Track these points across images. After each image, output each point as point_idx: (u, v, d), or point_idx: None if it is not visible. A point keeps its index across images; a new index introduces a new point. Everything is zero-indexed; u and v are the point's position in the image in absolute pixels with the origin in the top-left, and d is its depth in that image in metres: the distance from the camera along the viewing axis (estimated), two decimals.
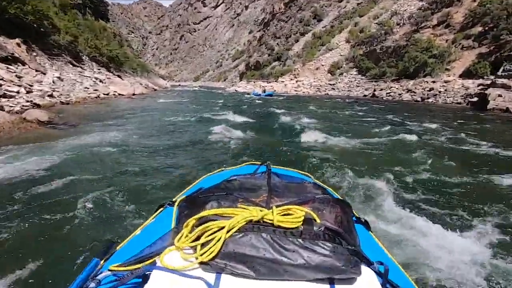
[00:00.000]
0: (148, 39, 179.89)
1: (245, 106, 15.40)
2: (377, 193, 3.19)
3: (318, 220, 0.79)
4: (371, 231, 1.11)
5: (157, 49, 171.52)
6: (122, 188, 3.18)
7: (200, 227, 0.75)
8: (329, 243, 0.72)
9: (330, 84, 30.74)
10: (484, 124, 9.56)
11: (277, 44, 62.63)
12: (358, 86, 28.88)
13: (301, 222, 0.76)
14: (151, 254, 0.76)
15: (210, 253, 0.70)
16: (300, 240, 0.72)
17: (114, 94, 13.74)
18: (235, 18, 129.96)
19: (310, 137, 6.49)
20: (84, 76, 13.45)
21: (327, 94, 28.95)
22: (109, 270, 0.73)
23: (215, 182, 1.12)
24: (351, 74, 31.14)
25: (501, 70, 16.11)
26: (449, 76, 20.35)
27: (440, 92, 18.24)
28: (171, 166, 4.25)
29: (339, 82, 30.71)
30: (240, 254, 0.70)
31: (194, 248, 0.74)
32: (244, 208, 0.80)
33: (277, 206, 0.81)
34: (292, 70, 38.93)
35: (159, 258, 0.73)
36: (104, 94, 12.42)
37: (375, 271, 0.76)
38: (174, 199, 1.15)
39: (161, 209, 1.16)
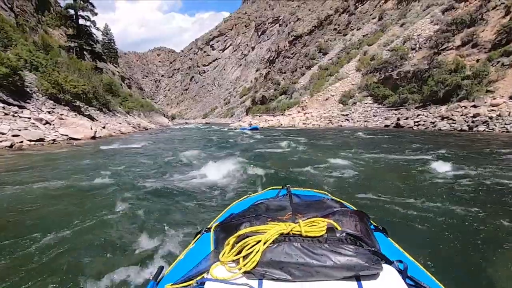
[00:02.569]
0: (160, 82, 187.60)
1: (240, 146, 11.81)
2: None
3: (339, 228, 0.89)
4: (390, 237, 1.14)
5: (169, 90, 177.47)
6: None
7: (240, 243, 0.86)
8: (351, 245, 0.81)
9: (343, 115, 27.16)
10: None
11: (283, 78, 61.43)
12: (375, 116, 25.16)
13: (325, 231, 0.86)
14: (199, 271, 0.88)
15: (252, 263, 0.81)
16: (326, 245, 0.81)
17: (60, 139, 10.47)
18: (242, 58, 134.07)
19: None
20: (19, 116, 10.31)
21: (341, 125, 25.23)
22: None
23: (243, 208, 1.18)
24: (366, 103, 27.65)
25: None
26: (494, 98, 16.37)
27: (491, 118, 14.13)
28: None
29: (353, 112, 27.14)
30: (277, 261, 0.80)
31: (237, 261, 0.85)
32: (275, 224, 0.91)
33: (302, 220, 0.91)
34: (300, 102, 36.03)
35: (208, 273, 0.85)
36: (34, 140, 8.89)
37: (395, 268, 0.83)
38: (209, 226, 1.23)
39: (199, 235, 1.23)
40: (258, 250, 0.81)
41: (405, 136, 13.47)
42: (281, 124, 31.81)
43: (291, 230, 0.87)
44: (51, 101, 13.70)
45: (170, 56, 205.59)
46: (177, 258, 1.12)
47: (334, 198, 1.43)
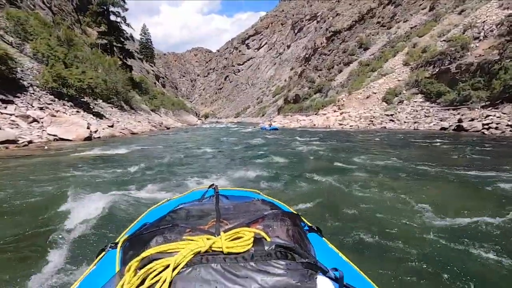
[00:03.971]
0: (196, 81, 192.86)
1: (266, 147, 9.78)
2: None
3: (268, 239, 0.75)
4: (324, 237, 1.10)
5: (203, 89, 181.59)
6: None
7: (144, 269, 0.67)
8: (281, 261, 0.68)
9: (387, 115, 23.63)
10: None
11: (319, 76, 57.91)
12: (427, 116, 21.35)
13: (251, 244, 0.72)
14: None
15: None
16: (252, 263, 0.67)
17: (43, 140, 9.06)
18: (277, 57, 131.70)
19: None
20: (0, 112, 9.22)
21: (384, 127, 21.84)
22: None
23: (160, 215, 1.00)
24: (415, 102, 23.78)
25: None
26: None
27: None
28: None
29: (399, 112, 23.48)
30: None
31: None
32: (190, 240, 0.74)
33: (225, 231, 0.77)
34: (336, 101, 32.84)
35: None
36: (7, 141, 7.80)
37: (330, 278, 0.74)
38: (116, 240, 1.02)
39: (103, 253, 1.01)
40: (165, 279, 0.63)
41: (480, 144, 10.27)
42: (314, 125, 29.06)
43: (210, 247, 0.70)
44: (51, 96, 12.75)
45: (206, 56, 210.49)
46: (73, 285, 0.89)
47: (265, 197, 1.34)
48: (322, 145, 10.37)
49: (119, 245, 0.93)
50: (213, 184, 1.30)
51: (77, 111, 13.39)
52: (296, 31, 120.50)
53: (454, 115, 19.44)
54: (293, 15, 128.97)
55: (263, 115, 75.63)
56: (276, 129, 24.19)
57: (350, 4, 73.46)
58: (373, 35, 55.93)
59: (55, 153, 7.72)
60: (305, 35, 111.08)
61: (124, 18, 29.28)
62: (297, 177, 4.86)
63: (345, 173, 5.22)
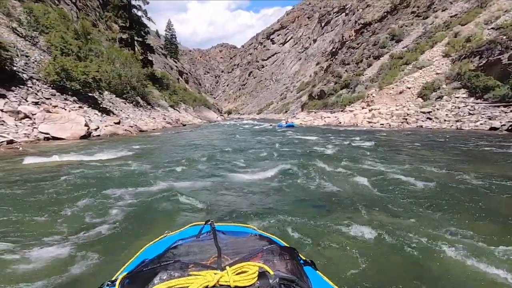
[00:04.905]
0: (220, 77, 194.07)
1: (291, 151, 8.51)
2: None
3: (271, 272, 0.78)
4: (319, 271, 1.11)
5: (227, 85, 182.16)
6: None
7: None
8: None
9: (424, 113, 21.14)
10: None
11: (346, 71, 54.79)
12: (472, 114, 18.70)
13: (256, 278, 0.75)
14: None
15: None
16: None
17: (31, 138, 8.34)
18: (302, 52, 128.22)
19: None
20: None
21: (421, 126, 19.48)
22: None
23: (159, 251, 0.99)
24: (457, 97, 21.04)
25: None
26: None
27: None
28: None
29: (437, 109, 20.91)
30: None
31: None
32: (197, 275, 0.74)
33: (230, 265, 0.79)
34: (365, 97, 30.46)
35: None
36: None
37: None
38: (113, 278, 0.96)
39: None
40: None
41: None
42: (340, 122, 27.10)
43: (217, 282, 0.71)
44: (53, 90, 12.19)
45: (231, 52, 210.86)
46: None
47: (261, 232, 1.35)
48: (365, 147, 8.89)
49: (117, 283, 0.86)
50: (209, 220, 1.26)
51: (80, 107, 12.80)
52: (323, 24, 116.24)
53: (506, 112, 16.76)
54: (320, 8, 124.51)
55: (286, 112, 73.84)
56: (292, 125, 24.44)
57: None
58: (406, 26, 52.22)
59: (14, 160, 6.29)
60: (332, 29, 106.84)
61: (145, 12, 29.05)
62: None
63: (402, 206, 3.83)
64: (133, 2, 27.84)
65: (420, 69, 26.97)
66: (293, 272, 0.82)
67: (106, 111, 14.55)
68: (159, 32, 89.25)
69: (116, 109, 16.09)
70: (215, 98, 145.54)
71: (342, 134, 14.80)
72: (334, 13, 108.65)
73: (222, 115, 70.24)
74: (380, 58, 45.70)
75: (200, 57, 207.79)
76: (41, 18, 16.08)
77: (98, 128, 11.53)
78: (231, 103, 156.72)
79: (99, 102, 14.93)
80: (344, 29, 75.85)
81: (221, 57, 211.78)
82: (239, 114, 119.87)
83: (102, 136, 11.19)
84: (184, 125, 23.58)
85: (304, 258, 1.11)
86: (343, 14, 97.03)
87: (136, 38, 29.37)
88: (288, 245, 1.08)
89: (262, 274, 0.75)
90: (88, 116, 12.05)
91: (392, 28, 52.90)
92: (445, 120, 19.11)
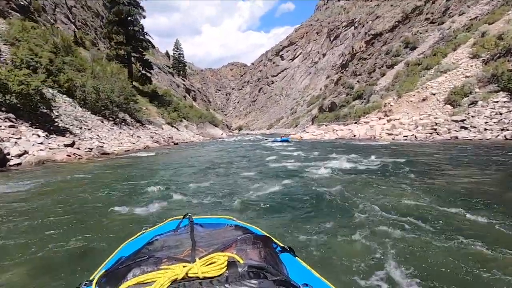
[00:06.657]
0: (231, 95, 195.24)
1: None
2: None
3: (241, 261, 0.77)
4: (297, 257, 1.11)
5: (238, 102, 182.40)
6: None
7: None
8: (254, 280, 0.70)
9: (456, 121, 17.75)
10: None
11: (358, 81, 51.96)
12: None
13: (225, 268, 0.74)
14: None
15: None
16: (227, 285, 0.69)
17: None
18: (312, 66, 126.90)
19: None
20: None
21: (456, 137, 16.06)
22: None
23: (136, 247, 0.99)
24: (496, 102, 17.63)
25: None
26: None
27: None
28: None
29: (473, 116, 17.50)
30: None
31: None
32: (167, 268, 0.74)
33: (200, 258, 0.79)
34: (381, 107, 27.32)
35: None
36: None
37: None
38: (91, 277, 0.98)
39: None
40: None
41: None
42: (355, 135, 23.97)
43: (186, 274, 0.71)
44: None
45: (241, 70, 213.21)
46: None
47: (239, 223, 1.33)
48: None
49: (94, 282, 0.86)
50: (187, 214, 1.29)
51: (12, 126, 9.98)
52: (332, 38, 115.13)
53: None
54: (328, 23, 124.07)
55: (296, 126, 71.16)
56: (287, 140, 24.19)
57: (391, 5, 68.30)
58: (421, 33, 49.76)
59: None
60: (341, 42, 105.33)
61: (142, 27, 27.71)
62: None
63: None
64: (129, 18, 26.53)
65: (445, 73, 23.76)
66: (266, 259, 0.82)
67: (59, 131, 12.03)
68: (169, 52, 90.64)
69: (79, 128, 13.54)
70: (226, 115, 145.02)
71: (361, 153, 11.72)
72: (343, 27, 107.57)
73: (231, 131, 68.25)
74: (394, 67, 42.93)
75: (212, 76, 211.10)
76: (14, 30, 14.68)
77: (26, 153, 8.91)
78: (241, 119, 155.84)
79: (53, 119, 12.46)
80: (354, 41, 73.83)
81: (232, 75, 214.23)
82: (249, 129, 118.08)
83: (24, 164, 8.46)
84: (176, 144, 20.74)
85: (281, 245, 1.10)
86: (352, 27, 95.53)
87: (133, 54, 27.87)
88: (265, 233, 1.09)
89: (231, 264, 0.74)
90: (19, 137, 9.52)
91: (406, 36, 50.57)
92: (485, 129, 15.68)
